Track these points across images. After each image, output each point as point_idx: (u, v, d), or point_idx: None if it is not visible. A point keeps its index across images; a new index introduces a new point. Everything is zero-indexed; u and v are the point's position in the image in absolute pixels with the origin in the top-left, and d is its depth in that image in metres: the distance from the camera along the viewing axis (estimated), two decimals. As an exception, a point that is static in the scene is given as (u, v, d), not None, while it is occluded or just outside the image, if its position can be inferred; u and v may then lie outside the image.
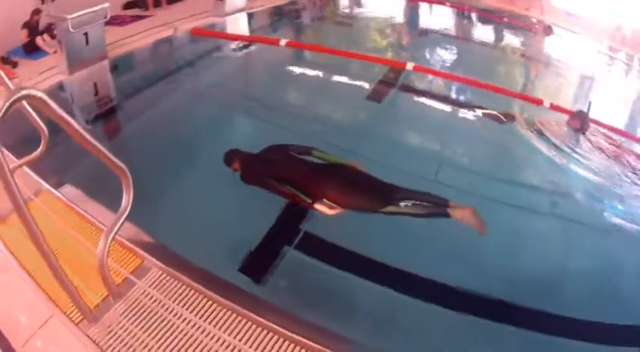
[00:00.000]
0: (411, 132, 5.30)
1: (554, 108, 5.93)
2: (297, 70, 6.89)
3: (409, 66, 6.69)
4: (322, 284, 3.07)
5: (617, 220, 4.02)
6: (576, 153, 4.96)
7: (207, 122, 4.78)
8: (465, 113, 5.77)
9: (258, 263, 3.11)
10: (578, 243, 3.70)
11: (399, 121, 5.52)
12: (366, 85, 6.12)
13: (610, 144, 5.38)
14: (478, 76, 6.41)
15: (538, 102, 5.99)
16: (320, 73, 6.70)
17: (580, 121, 5.37)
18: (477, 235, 3.27)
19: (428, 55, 8.05)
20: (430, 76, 6.88)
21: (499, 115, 5.52)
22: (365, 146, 4.54)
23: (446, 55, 8.15)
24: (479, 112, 5.60)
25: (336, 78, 6.55)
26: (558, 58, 9.09)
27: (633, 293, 3.22)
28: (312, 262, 3.16)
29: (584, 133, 5.33)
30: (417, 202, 3.42)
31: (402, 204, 3.39)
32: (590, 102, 5.53)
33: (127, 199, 2.22)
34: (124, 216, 2.21)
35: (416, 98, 6.20)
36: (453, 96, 6.45)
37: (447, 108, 5.99)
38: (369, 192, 3.49)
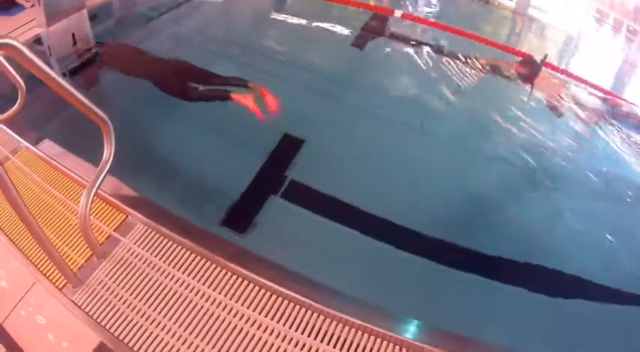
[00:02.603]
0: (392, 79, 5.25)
1: (546, 65, 5.82)
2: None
3: (397, 13, 6.51)
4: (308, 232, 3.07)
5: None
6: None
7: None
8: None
9: (242, 213, 3.09)
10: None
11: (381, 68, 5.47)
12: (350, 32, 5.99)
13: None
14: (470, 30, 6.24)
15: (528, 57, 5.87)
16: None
17: (529, 68, 5.48)
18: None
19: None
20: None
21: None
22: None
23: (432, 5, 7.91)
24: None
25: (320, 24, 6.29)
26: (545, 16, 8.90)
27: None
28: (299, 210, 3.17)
29: (532, 79, 5.46)
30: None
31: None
32: (546, 54, 5.69)
33: (108, 151, 2.17)
34: (106, 169, 2.15)
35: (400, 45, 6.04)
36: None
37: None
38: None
